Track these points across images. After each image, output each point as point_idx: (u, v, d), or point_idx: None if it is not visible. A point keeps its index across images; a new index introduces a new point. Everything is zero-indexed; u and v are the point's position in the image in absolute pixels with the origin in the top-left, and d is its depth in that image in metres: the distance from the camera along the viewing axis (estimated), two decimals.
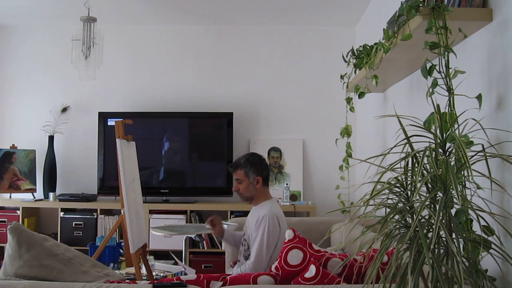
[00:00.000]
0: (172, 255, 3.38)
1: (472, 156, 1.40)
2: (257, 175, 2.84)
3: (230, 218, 4.19)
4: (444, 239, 1.30)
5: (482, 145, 1.42)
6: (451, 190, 1.30)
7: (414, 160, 1.40)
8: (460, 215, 1.32)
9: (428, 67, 1.70)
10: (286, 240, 1.97)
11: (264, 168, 2.88)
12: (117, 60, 4.76)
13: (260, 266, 2.66)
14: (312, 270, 1.77)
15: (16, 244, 1.79)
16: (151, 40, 4.84)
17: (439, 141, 1.42)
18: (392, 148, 1.45)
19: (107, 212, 4.49)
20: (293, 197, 4.51)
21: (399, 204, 1.38)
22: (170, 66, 4.82)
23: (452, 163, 1.38)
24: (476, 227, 1.44)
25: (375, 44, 2.50)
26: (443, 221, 1.30)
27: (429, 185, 1.36)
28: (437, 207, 1.24)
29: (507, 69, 1.65)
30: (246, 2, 4.16)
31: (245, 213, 4.19)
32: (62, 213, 4.39)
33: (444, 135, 1.43)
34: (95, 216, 4.41)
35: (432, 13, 1.74)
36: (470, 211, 1.35)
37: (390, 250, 1.46)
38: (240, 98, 4.74)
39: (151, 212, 4.36)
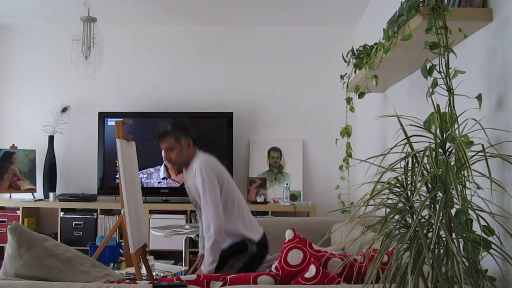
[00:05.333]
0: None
1: (472, 156, 1.40)
2: (187, 138, 2.76)
3: None
4: (444, 239, 1.30)
5: (482, 145, 1.42)
6: (451, 190, 1.30)
7: (414, 160, 1.39)
8: (460, 215, 1.32)
9: (428, 67, 1.70)
10: (286, 240, 1.97)
11: (191, 129, 2.81)
12: (117, 60, 4.76)
13: (218, 211, 2.65)
14: (312, 270, 1.77)
15: (16, 244, 1.79)
16: (151, 40, 4.84)
17: (439, 141, 1.42)
18: (392, 148, 1.45)
19: (107, 212, 4.49)
20: (293, 197, 4.51)
21: (399, 204, 1.38)
22: (170, 66, 4.83)
23: (452, 163, 1.38)
24: (476, 227, 1.44)
25: (375, 44, 2.50)
26: (443, 221, 1.29)
27: (429, 185, 1.36)
28: (437, 207, 1.24)
29: (507, 69, 1.65)
30: (246, 2, 4.16)
31: None
32: (62, 213, 4.39)
33: (444, 135, 1.43)
34: (95, 216, 4.41)
35: (432, 13, 1.74)
36: (470, 211, 1.35)
37: (390, 250, 1.46)
38: (240, 98, 4.74)
39: (151, 212, 4.36)
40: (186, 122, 2.84)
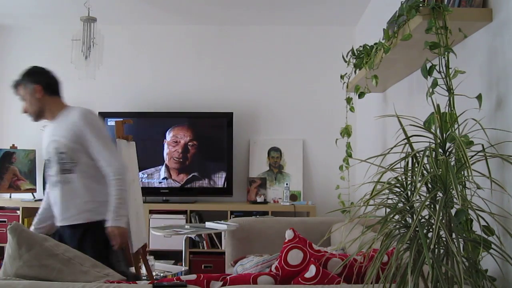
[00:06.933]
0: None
1: (472, 156, 1.40)
2: (34, 84, 2.54)
3: (230, 218, 4.19)
4: (444, 239, 1.30)
5: (482, 145, 1.42)
6: (451, 190, 1.30)
7: (414, 160, 1.39)
8: (460, 215, 1.32)
9: (428, 67, 1.70)
10: (286, 240, 1.97)
11: (43, 76, 2.60)
12: (117, 60, 4.76)
13: (119, 159, 2.52)
14: (312, 270, 1.77)
15: (16, 244, 1.79)
16: (151, 40, 4.84)
17: (439, 141, 1.42)
18: (392, 148, 1.45)
19: None
20: (293, 197, 4.51)
21: (399, 204, 1.38)
22: (170, 66, 4.83)
23: (452, 163, 1.38)
24: (476, 227, 1.44)
25: (375, 44, 2.50)
26: (443, 221, 1.29)
27: (429, 185, 1.36)
28: (437, 207, 1.24)
29: (507, 69, 1.65)
30: (246, 2, 4.16)
31: (245, 213, 4.20)
32: None
33: (444, 135, 1.43)
34: None
35: (432, 13, 1.74)
36: (470, 211, 1.35)
37: (390, 250, 1.46)
38: (240, 98, 4.75)
39: (151, 212, 4.35)
40: (36, 68, 2.61)
